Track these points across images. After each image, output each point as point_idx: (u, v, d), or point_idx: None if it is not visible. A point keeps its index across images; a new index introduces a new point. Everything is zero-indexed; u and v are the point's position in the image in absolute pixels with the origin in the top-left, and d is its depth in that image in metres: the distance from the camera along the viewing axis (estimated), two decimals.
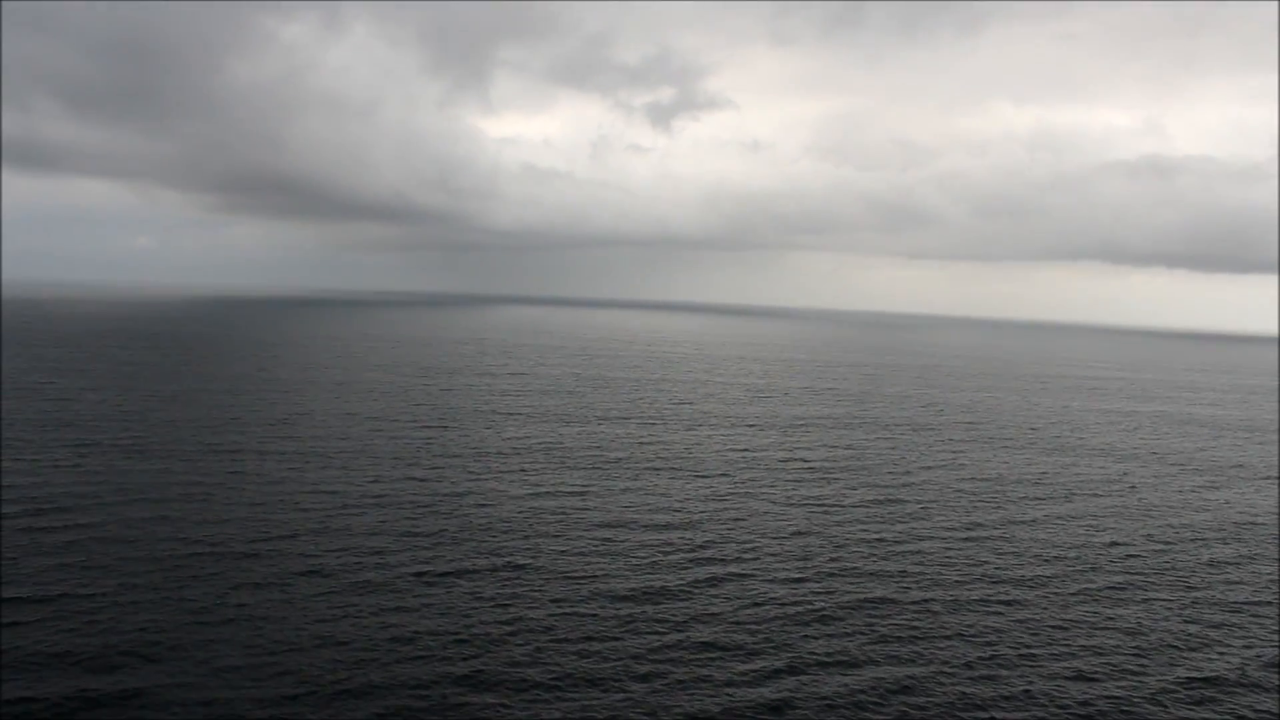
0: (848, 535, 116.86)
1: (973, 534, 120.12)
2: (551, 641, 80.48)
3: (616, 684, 72.53)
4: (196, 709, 66.88)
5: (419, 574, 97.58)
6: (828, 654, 79.38)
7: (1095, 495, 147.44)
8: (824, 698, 71.53)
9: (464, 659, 76.38)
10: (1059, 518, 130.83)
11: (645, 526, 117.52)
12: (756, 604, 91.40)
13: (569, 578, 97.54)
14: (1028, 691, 73.83)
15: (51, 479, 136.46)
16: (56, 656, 74.69)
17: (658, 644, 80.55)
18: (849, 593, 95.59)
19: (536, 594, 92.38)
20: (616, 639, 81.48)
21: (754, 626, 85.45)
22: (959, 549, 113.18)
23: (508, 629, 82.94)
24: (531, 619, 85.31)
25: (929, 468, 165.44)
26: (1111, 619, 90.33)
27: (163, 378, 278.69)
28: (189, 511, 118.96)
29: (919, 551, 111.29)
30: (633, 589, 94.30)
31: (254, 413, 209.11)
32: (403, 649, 78.02)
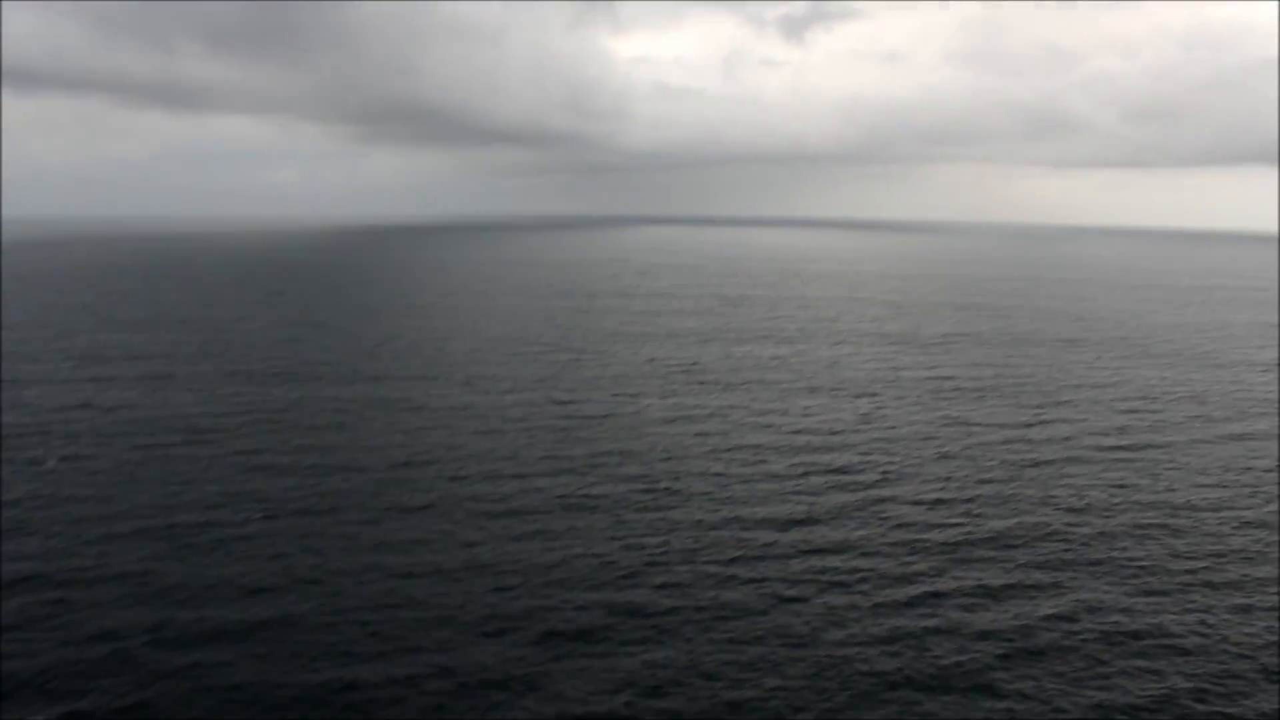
0: (993, 458, 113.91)
1: (1124, 456, 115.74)
2: (695, 566, 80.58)
3: (761, 612, 72.25)
4: (349, 635, 69.01)
5: (561, 497, 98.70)
6: (973, 584, 77.63)
7: (1262, 414, 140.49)
8: (971, 628, 70.08)
9: (607, 585, 76.97)
10: (1220, 438, 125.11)
11: (786, 449, 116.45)
12: (900, 527, 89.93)
13: (711, 500, 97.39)
14: (1183, 629, 71.11)
15: (208, 406, 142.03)
16: (223, 583, 78.00)
17: (801, 568, 79.93)
18: (993, 518, 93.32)
19: (679, 518, 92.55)
20: (760, 562, 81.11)
21: (898, 552, 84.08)
22: (1111, 471, 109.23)
23: (652, 553, 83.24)
24: (675, 544, 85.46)
25: (1078, 385, 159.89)
26: (1270, 547, 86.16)
27: (308, 307, 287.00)
28: (338, 438, 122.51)
29: (1065, 475, 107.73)
30: (775, 513, 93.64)
31: (395, 339, 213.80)
32: (549, 574, 79.02)
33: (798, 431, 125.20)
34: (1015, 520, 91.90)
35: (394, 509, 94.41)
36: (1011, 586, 76.82)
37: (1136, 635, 69.09)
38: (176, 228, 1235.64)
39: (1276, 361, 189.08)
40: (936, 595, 74.88)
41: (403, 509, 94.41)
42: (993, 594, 75.28)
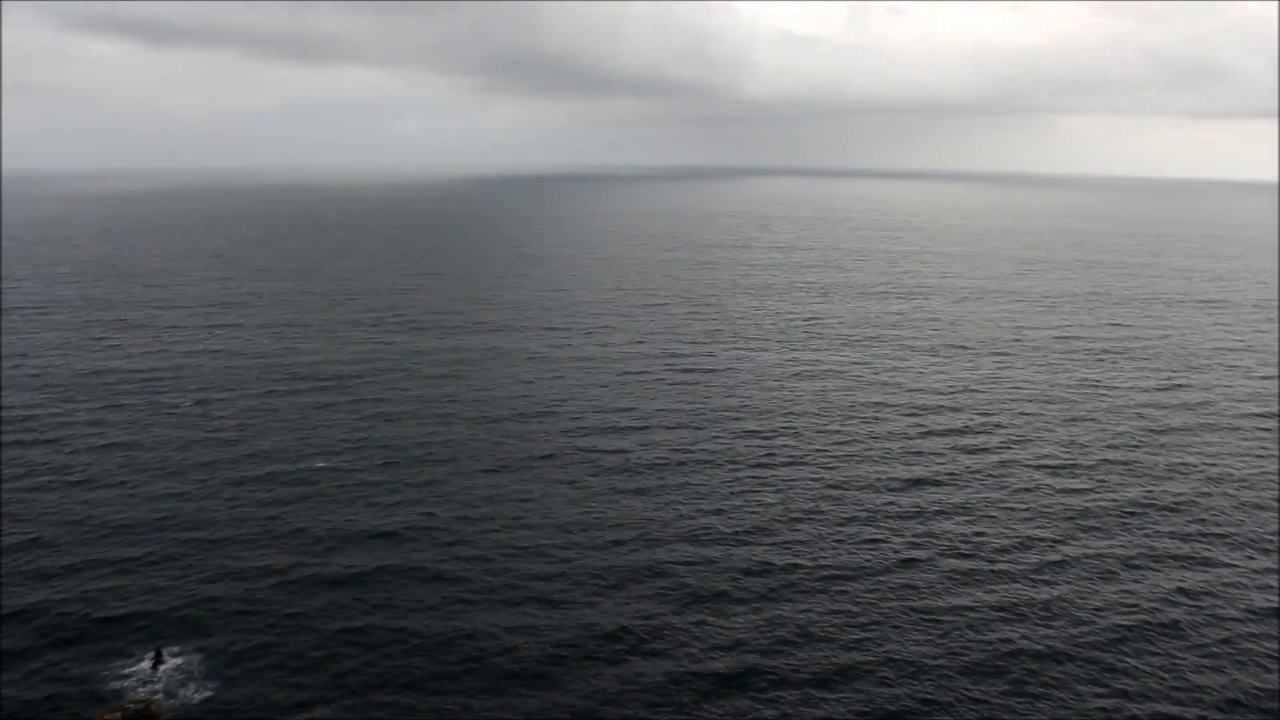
0: (1123, 422, 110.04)
1: (1265, 425, 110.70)
2: (813, 526, 79.65)
3: (878, 573, 71.13)
4: (466, 583, 69.99)
5: (678, 451, 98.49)
6: (1099, 553, 75.13)
7: None
8: (1095, 599, 67.91)
9: (723, 542, 76.59)
10: None
11: (907, 408, 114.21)
12: (1023, 491, 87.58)
13: (830, 459, 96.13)
14: None
15: (330, 354, 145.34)
16: (345, 529, 79.83)
17: (920, 531, 78.46)
18: (1122, 486, 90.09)
19: (796, 476, 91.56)
20: (878, 523, 79.88)
21: (1020, 517, 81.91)
22: (1248, 440, 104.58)
23: (769, 512, 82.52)
24: (792, 503, 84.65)
25: (1220, 349, 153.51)
26: None
27: (431, 257, 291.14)
28: (458, 388, 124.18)
29: (1200, 443, 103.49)
30: (894, 474, 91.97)
31: (516, 289, 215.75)
32: (665, 530, 78.97)
33: (918, 390, 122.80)
34: (1145, 488, 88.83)
35: (512, 459, 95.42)
36: (1140, 557, 74.30)
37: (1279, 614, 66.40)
38: (304, 178, 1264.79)
39: None
40: (1061, 563, 72.84)
41: (521, 460, 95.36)
42: (1120, 565, 72.91)
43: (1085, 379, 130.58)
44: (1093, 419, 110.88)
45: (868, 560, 72.99)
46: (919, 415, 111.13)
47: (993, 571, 71.39)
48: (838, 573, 70.96)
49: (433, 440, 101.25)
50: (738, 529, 78.66)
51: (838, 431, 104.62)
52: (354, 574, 70.60)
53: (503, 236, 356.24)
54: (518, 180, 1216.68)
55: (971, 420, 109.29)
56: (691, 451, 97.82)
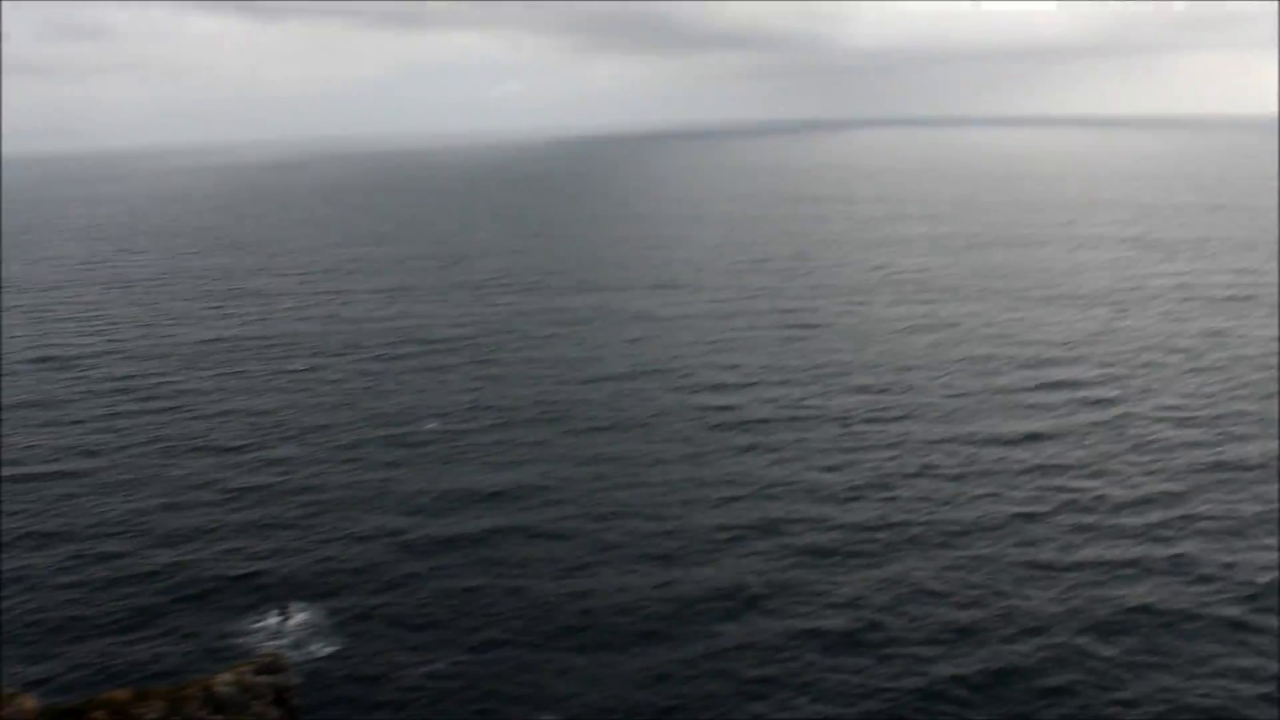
0: (1249, 374, 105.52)
1: None
2: (925, 481, 78.40)
3: (992, 529, 69.79)
4: (578, 543, 70.59)
5: (787, 407, 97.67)
6: (1224, 511, 72.25)
7: None
8: (1220, 558, 65.61)
9: (834, 499, 75.92)
10: None
11: (1020, 361, 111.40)
12: (1142, 446, 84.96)
13: (941, 413, 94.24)
14: None
15: (439, 317, 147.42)
16: (459, 490, 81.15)
17: (1035, 486, 76.68)
18: (1248, 440, 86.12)
19: (907, 431, 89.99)
20: (991, 479, 78.31)
21: (1140, 472, 79.43)
22: None
23: (880, 468, 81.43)
24: (903, 458, 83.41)
25: None
26: None
27: (534, 218, 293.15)
28: (565, 348, 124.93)
29: None
30: (1007, 428, 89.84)
31: (620, 248, 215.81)
32: (776, 487, 78.42)
33: (1033, 342, 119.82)
34: (1275, 441, 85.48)
35: (622, 418, 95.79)
36: (1272, 513, 71.47)
37: None
38: (407, 143, 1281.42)
39: None
40: (1184, 519, 70.46)
41: (631, 418, 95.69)
42: (1250, 521, 70.28)
43: (1209, 328, 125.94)
44: (1218, 369, 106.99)
45: (984, 516, 71.64)
46: (1034, 368, 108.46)
47: (1114, 526, 69.51)
48: (954, 529, 69.80)
49: (543, 400, 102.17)
50: (851, 485, 77.91)
51: (950, 385, 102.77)
52: (468, 534, 71.70)
53: (606, 196, 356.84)
54: (619, 139, 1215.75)
55: (1089, 372, 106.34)
56: (802, 407, 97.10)
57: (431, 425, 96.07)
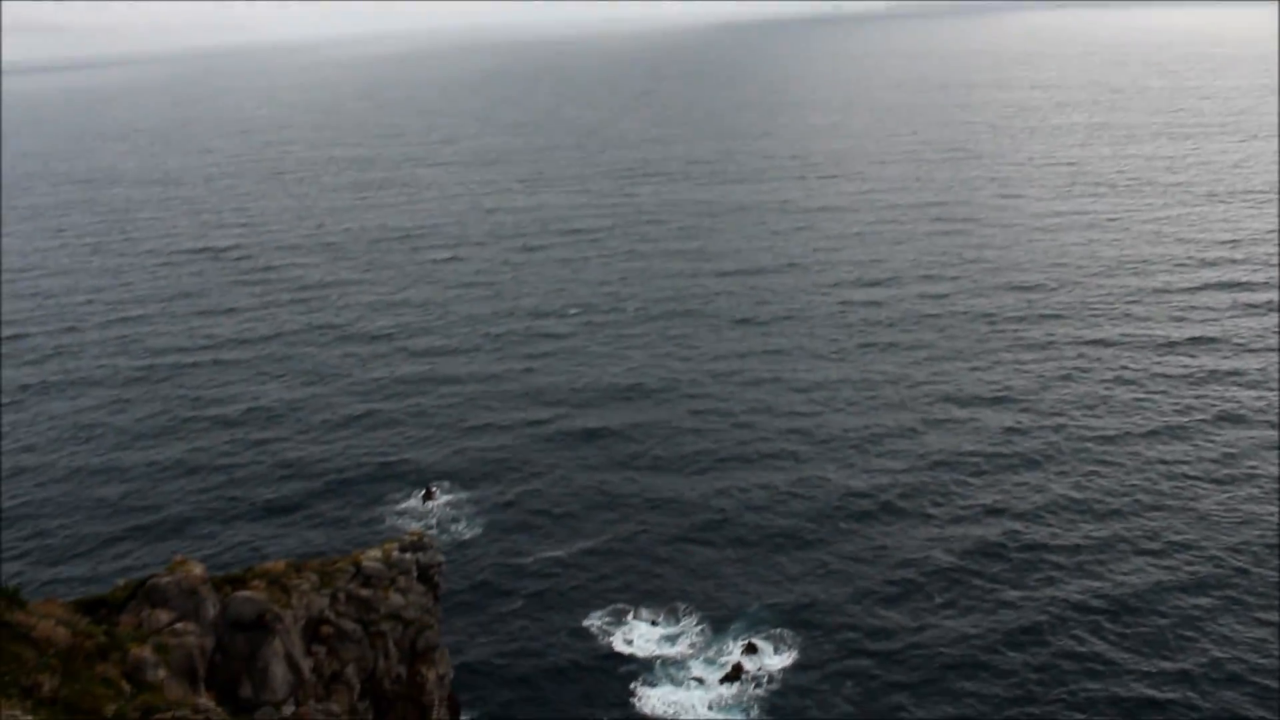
0: None
1: None
2: (1076, 387, 75.90)
3: (1143, 437, 67.42)
4: (715, 437, 70.84)
5: (932, 302, 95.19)
6: None
7: None
8: None
9: (981, 401, 74.33)
10: None
11: (1183, 261, 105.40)
12: None
13: (1095, 316, 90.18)
14: None
15: (577, 205, 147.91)
16: (595, 382, 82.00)
17: (1193, 394, 73.35)
18: None
19: (1059, 333, 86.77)
20: (1143, 385, 75.44)
21: None
22: None
23: (1029, 371, 79.45)
24: (1052, 361, 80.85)
25: None
26: None
27: (676, 105, 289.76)
28: (707, 241, 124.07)
29: None
30: (1166, 332, 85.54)
31: (764, 137, 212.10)
32: (921, 389, 77.12)
33: (1194, 240, 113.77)
34: None
35: (761, 312, 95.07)
36: None
37: None
38: (551, 31, 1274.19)
39: None
40: None
41: (770, 312, 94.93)
42: None
43: None
44: None
45: (1133, 424, 69.21)
46: (1196, 269, 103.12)
47: (1270, 440, 66.42)
48: (1100, 436, 67.61)
49: (682, 293, 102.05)
50: (993, 387, 76.12)
51: (1104, 286, 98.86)
52: (608, 427, 72.54)
53: (748, 83, 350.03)
54: (765, 23, 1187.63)
55: (1257, 275, 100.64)
56: (946, 305, 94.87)
57: (572, 312, 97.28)
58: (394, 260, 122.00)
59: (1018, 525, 57.26)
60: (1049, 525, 57.22)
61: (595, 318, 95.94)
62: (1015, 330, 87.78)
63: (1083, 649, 46.46)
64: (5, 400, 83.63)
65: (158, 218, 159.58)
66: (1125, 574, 52.05)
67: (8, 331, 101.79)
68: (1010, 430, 68.91)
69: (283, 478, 67.40)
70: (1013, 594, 50.96)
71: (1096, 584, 51.32)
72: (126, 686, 25.81)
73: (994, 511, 58.97)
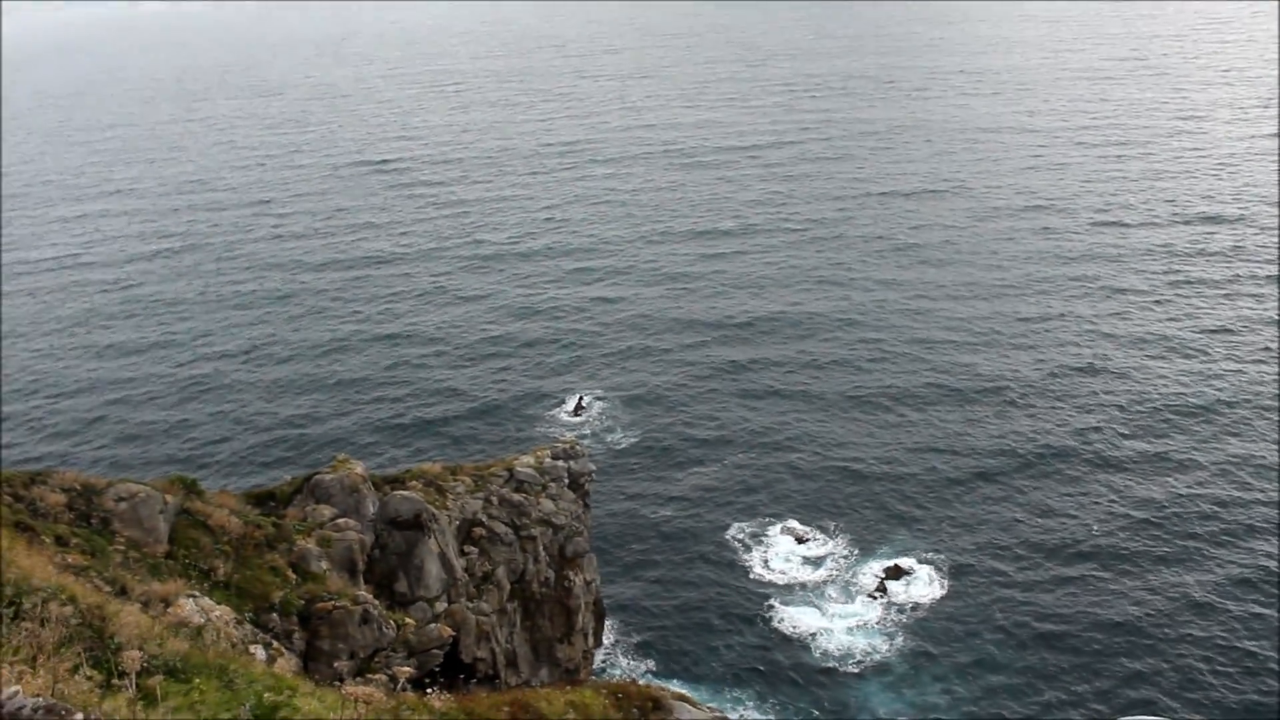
0: None
1: None
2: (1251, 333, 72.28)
3: None
4: (872, 337, 69.84)
5: (1119, 225, 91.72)
6: None
7: None
8: None
9: (1155, 343, 71.35)
10: None
11: None
12: None
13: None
14: None
15: (736, 122, 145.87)
16: (747, 281, 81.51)
17: None
18: None
19: (1241, 269, 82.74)
20: None
21: None
22: None
23: (1208, 314, 75.67)
24: (1233, 309, 77.02)
25: None
26: None
27: (843, 19, 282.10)
28: (863, 159, 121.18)
29: None
30: None
31: (929, 53, 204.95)
32: (1087, 329, 74.59)
33: None
34: None
35: (921, 238, 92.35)
36: None
37: None
38: None
39: None
40: None
41: (928, 239, 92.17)
42: None
43: None
44: None
45: None
46: None
47: None
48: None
49: (838, 216, 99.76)
50: (1168, 336, 72.55)
51: None
52: (763, 355, 71.77)
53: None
54: None
55: None
56: (1119, 236, 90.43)
57: (727, 226, 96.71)
58: (552, 175, 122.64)
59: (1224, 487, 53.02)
60: (1259, 490, 52.53)
61: (749, 243, 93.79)
62: (1192, 270, 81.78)
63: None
64: (184, 313, 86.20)
65: (324, 128, 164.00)
66: None
67: (180, 244, 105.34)
68: (1202, 376, 64.47)
69: (437, 390, 68.72)
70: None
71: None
72: (292, 576, 27.19)
73: (1187, 466, 54.76)
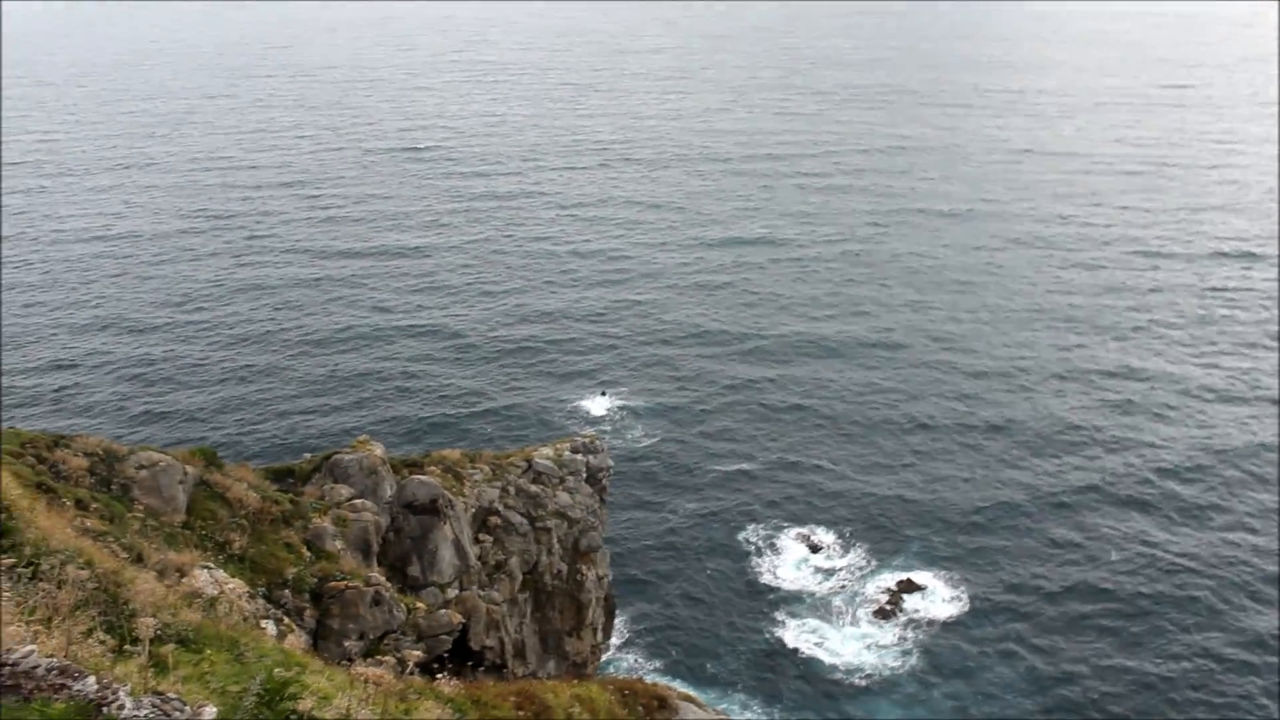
0: None
1: None
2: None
3: None
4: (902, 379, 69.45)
5: (1153, 239, 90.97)
6: None
7: None
8: None
9: (1201, 343, 70.70)
10: None
11: None
12: None
13: None
14: None
15: (771, 130, 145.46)
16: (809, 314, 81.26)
17: None
18: None
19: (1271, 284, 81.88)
20: None
21: None
22: None
23: (1247, 329, 75.07)
24: (1264, 326, 76.35)
25: None
26: None
27: (884, 30, 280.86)
28: (900, 171, 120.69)
29: None
30: None
31: (967, 70, 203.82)
32: (1125, 333, 73.90)
33: None
34: None
35: (956, 260, 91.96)
36: None
37: None
38: None
39: None
40: None
41: (964, 262, 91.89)
42: None
43: None
44: None
45: None
46: None
47: None
48: None
49: (875, 225, 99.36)
50: (1213, 340, 71.90)
51: None
52: (788, 361, 72.22)
53: (959, 13, 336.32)
54: None
55: None
56: (1158, 273, 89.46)
57: (759, 238, 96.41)
58: (585, 172, 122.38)
59: None
60: None
61: (784, 250, 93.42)
62: (1226, 283, 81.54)
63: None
64: (209, 294, 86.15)
65: (360, 112, 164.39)
66: None
67: (214, 224, 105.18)
68: (1237, 419, 63.27)
69: (457, 385, 68.73)
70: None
71: None
72: (306, 553, 27.14)
73: (1217, 511, 53.94)
